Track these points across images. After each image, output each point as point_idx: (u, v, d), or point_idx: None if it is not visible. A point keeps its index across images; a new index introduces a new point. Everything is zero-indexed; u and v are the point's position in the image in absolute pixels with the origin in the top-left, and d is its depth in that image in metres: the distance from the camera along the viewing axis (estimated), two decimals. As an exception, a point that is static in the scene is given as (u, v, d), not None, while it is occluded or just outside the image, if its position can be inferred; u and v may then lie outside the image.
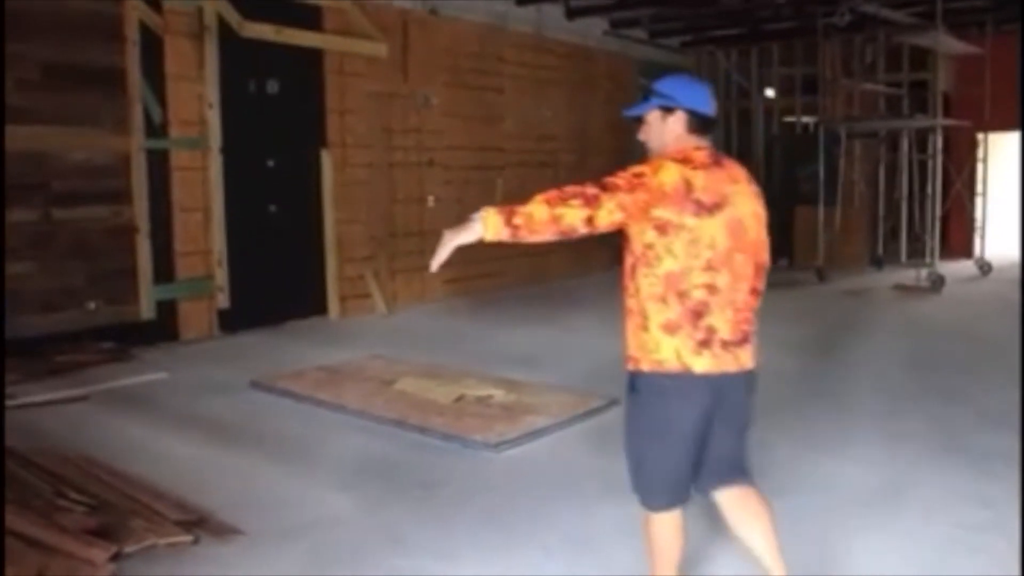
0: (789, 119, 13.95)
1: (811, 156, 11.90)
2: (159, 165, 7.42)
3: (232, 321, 7.90)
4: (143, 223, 7.33)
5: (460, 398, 5.48)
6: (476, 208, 2.51)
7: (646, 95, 2.74)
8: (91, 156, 7.03)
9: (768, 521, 2.74)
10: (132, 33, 7.16)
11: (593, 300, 9.22)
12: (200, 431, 5.09)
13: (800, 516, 3.74)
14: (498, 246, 2.62)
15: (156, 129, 7.36)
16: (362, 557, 3.45)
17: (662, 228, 2.50)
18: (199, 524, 3.61)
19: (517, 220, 2.43)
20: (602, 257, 10.81)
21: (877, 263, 12.23)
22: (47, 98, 6.72)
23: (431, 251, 2.56)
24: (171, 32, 7.40)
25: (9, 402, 5.56)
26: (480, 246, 2.57)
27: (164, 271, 7.48)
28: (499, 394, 5.54)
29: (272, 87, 8.21)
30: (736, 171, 2.69)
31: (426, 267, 2.73)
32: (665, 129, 2.69)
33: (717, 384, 2.58)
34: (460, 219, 2.53)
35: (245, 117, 7.94)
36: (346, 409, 5.45)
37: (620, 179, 2.50)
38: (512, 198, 2.58)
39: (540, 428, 4.93)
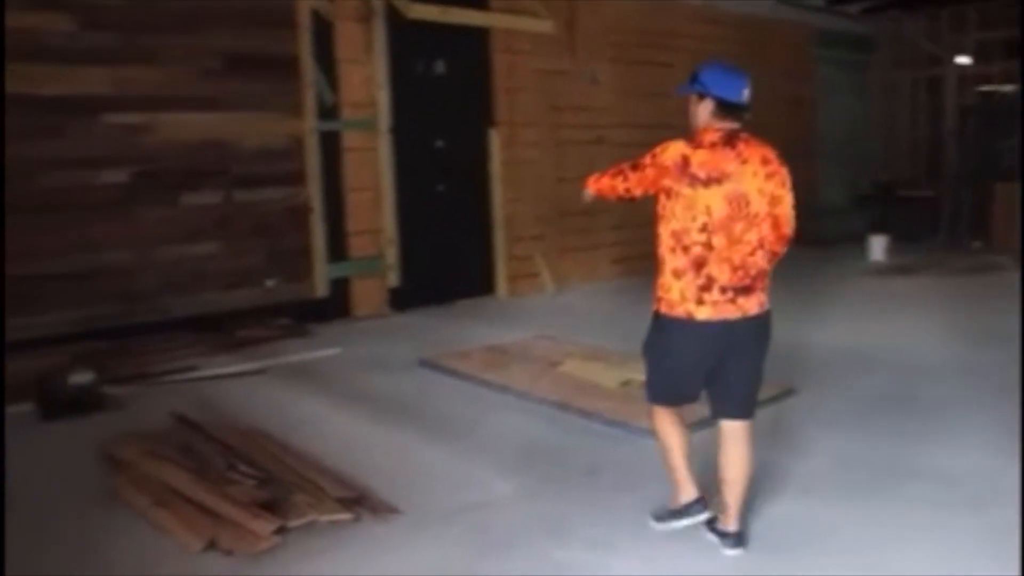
0: (986, 88, 12.84)
1: (1014, 128, 10.88)
2: (331, 147, 7.61)
3: (402, 299, 8.04)
4: (317, 204, 7.55)
5: (627, 382, 5.31)
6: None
7: (692, 79, 3.19)
8: (268, 140, 7.28)
9: (744, 460, 3.32)
10: (304, 20, 7.35)
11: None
12: (367, 407, 5.18)
13: (1002, 531, 3.39)
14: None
15: (328, 112, 7.55)
16: (518, 545, 3.37)
17: (668, 193, 3.12)
18: (359, 502, 3.63)
19: (598, 187, 3.46)
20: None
21: (1092, 245, 11.05)
22: (229, 86, 7.00)
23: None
24: (341, 17, 7.56)
25: (194, 373, 5.91)
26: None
27: (337, 250, 7.69)
28: (665, 378, 5.34)
29: (439, 67, 8.26)
30: (750, 152, 3.10)
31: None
32: (698, 111, 3.19)
33: (721, 329, 3.11)
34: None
35: (413, 98, 8.03)
36: (511, 390, 5.41)
37: (644, 159, 3.21)
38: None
39: (708, 417, 4.69)
